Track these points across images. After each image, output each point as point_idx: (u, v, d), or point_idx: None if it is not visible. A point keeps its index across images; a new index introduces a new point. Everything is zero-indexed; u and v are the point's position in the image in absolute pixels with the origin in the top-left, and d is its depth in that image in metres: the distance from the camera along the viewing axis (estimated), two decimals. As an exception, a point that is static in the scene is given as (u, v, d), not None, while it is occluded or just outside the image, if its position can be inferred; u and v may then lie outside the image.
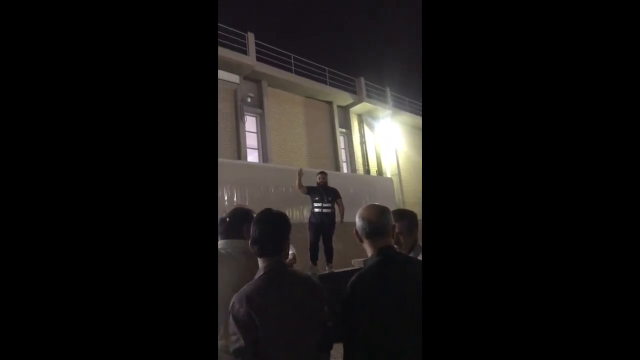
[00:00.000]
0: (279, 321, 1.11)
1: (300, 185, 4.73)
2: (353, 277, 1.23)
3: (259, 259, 1.23)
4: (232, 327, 1.11)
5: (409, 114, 13.76)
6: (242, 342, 1.09)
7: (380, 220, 1.27)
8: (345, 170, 11.10)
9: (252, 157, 8.94)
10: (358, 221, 1.30)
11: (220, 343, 1.27)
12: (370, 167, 11.87)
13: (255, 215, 1.31)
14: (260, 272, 1.20)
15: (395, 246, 1.64)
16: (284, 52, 10.05)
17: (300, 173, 4.73)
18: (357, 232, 1.30)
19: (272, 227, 1.24)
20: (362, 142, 11.96)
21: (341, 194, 4.94)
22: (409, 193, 12.39)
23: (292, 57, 10.21)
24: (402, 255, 1.39)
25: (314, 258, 4.83)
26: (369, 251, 1.29)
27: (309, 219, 4.91)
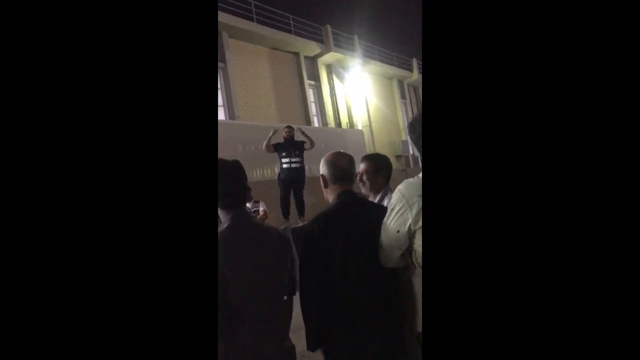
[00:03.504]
0: (244, 271, 1.11)
1: (268, 146, 4.64)
2: (308, 222, 1.24)
3: (220, 212, 1.19)
4: None
5: (378, 63, 13.48)
6: None
7: (344, 166, 1.32)
8: (316, 124, 10.95)
9: (218, 114, 8.61)
10: (323, 166, 1.34)
11: None
12: (342, 120, 11.77)
13: None
14: (224, 225, 1.17)
15: (361, 186, 1.69)
16: (243, -2, 9.36)
17: (275, 133, 4.63)
18: (323, 177, 1.35)
19: (231, 177, 1.19)
20: (332, 94, 11.73)
21: (313, 148, 4.87)
22: (380, 144, 12.50)
23: (253, 4, 9.55)
24: (360, 199, 1.41)
25: (285, 213, 4.87)
26: (331, 197, 1.33)
27: (278, 175, 4.88)
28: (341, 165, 1.31)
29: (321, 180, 1.35)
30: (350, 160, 1.35)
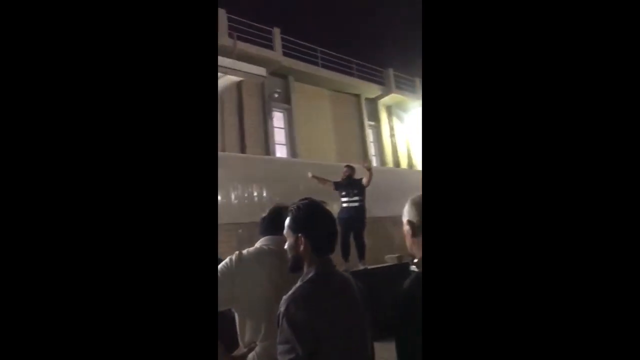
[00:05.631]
0: (337, 324, 1.02)
1: (324, 182, 4.68)
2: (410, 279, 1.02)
3: (306, 257, 1.11)
4: (286, 334, 0.97)
5: (440, 104, 13.27)
6: (298, 352, 0.94)
7: None
8: (374, 164, 10.87)
9: (281, 152, 8.93)
10: (411, 210, 1.02)
11: (263, 345, 1.21)
12: (400, 160, 11.58)
13: (296, 207, 1.16)
14: (311, 272, 1.08)
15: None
16: (310, 45, 9.94)
17: (314, 177, 4.77)
18: (411, 224, 1.02)
19: (327, 221, 1.14)
20: (392, 135, 11.67)
21: (370, 188, 4.78)
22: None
23: (319, 51, 10.09)
24: None
25: (345, 254, 4.72)
26: (418, 252, 1.00)
27: (338, 214, 4.81)
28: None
29: (407, 229, 1.03)
30: None
